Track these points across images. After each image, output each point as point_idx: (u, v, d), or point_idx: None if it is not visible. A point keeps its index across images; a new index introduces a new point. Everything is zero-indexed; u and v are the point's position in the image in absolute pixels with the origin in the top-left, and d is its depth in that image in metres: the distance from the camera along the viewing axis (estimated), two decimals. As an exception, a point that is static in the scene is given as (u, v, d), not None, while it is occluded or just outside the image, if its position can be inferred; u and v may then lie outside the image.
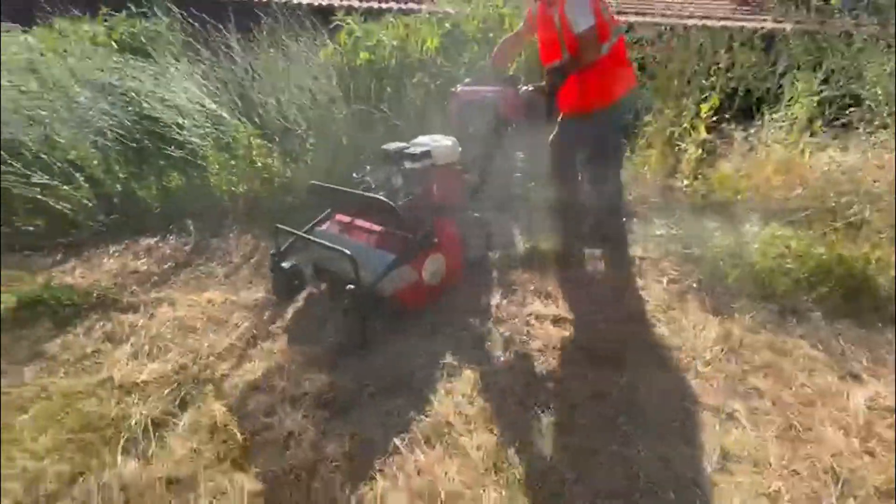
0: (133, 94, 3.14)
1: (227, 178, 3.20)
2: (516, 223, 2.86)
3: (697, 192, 3.14)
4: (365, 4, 4.55)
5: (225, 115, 3.20)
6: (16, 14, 4.32)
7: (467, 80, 2.64)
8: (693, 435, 1.48)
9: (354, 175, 2.32)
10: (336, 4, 4.25)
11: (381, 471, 1.42)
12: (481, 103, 2.33)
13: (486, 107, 2.31)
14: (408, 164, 2.15)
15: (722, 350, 1.83)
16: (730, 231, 2.46)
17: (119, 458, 1.49)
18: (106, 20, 3.99)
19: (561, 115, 2.33)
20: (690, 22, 4.89)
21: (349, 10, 3.76)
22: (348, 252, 1.83)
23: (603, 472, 1.38)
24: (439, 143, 2.22)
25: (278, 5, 3.82)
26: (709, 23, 5.15)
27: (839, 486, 1.31)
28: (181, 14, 4.00)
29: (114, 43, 3.78)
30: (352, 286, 1.83)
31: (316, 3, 4.49)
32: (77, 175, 3.02)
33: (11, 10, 4.41)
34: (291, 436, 1.54)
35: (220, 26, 3.68)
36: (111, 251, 2.83)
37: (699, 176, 3.24)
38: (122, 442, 1.54)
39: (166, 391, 1.75)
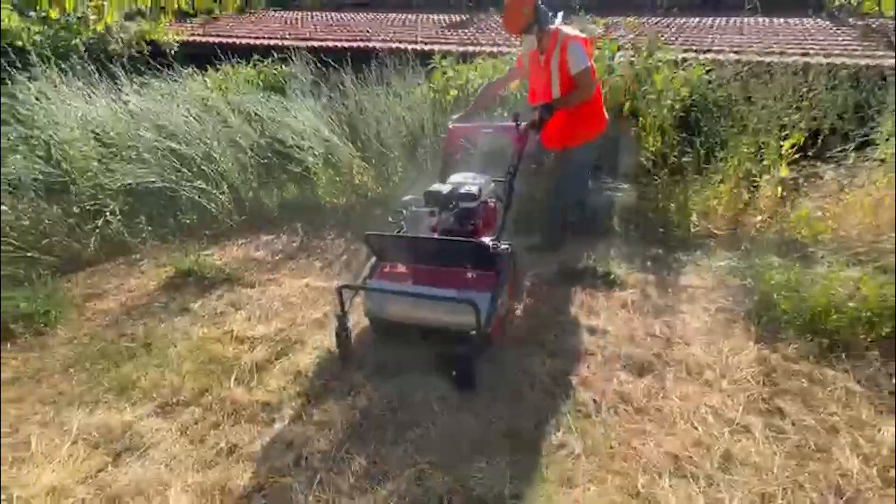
0: (269, 121, 3.96)
1: (330, 191, 3.86)
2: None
3: (771, 229, 3.07)
4: (461, 49, 5.13)
5: (335, 140, 3.89)
6: (197, 61, 5.60)
7: (454, 117, 2.79)
8: (698, 436, 1.59)
9: (390, 219, 2.37)
10: (436, 49, 4.88)
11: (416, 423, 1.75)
12: (479, 137, 2.76)
13: (485, 140, 2.72)
14: (463, 204, 2.20)
15: (753, 373, 1.88)
16: (795, 268, 2.43)
17: (232, 384, 2.01)
18: (255, 66, 5.05)
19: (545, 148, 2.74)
20: (801, 59, 4.71)
21: (445, 55, 4.34)
22: (468, 298, 1.82)
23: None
24: (478, 181, 2.33)
25: (387, 51, 4.54)
26: (823, 59, 4.89)
27: (841, 501, 1.35)
28: (313, 60, 4.93)
29: (260, 82, 4.77)
30: (473, 331, 1.78)
31: (419, 49, 5.18)
32: (223, 183, 3.88)
33: (194, 58, 5.73)
34: (352, 388, 1.94)
35: (340, 69, 4.48)
36: (240, 242, 3.57)
37: (776, 213, 3.17)
38: (234, 374, 2.07)
39: (268, 345, 2.27)
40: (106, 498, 1.51)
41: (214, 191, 3.81)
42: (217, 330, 2.45)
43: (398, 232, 2.22)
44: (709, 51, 4.68)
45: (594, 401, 1.78)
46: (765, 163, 3.28)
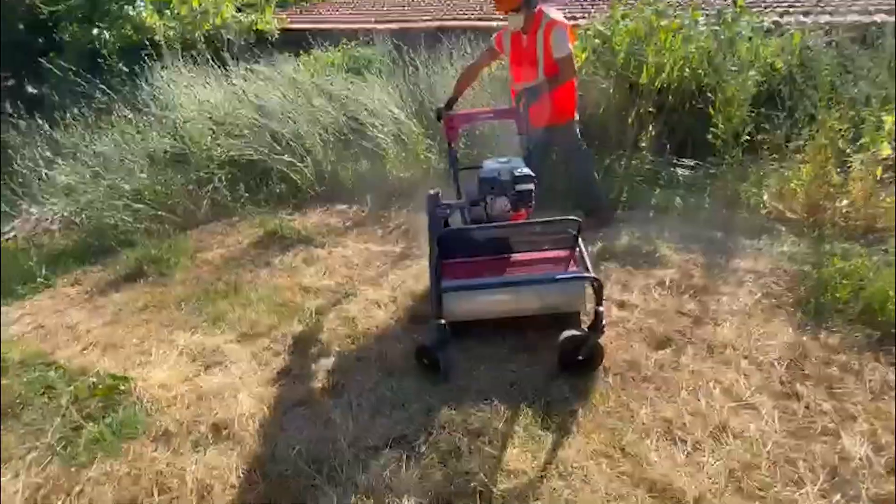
0: (346, 101, 4.36)
1: (398, 166, 4.18)
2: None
3: (858, 215, 2.77)
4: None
5: (403, 117, 4.17)
6: (294, 46, 6.21)
7: (440, 105, 2.72)
8: (698, 407, 1.63)
9: (439, 210, 2.24)
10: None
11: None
12: (478, 123, 2.89)
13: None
14: (523, 186, 2.12)
15: (780, 357, 1.82)
16: (863, 255, 2.22)
17: (295, 323, 2.42)
18: (341, 49, 5.50)
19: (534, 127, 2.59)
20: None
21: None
22: (591, 275, 1.80)
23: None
24: (516, 163, 2.25)
25: (458, 30, 4.68)
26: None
27: (831, 482, 1.34)
28: (392, 42, 5.25)
29: (344, 64, 5.20)
30: (600, 308, 1.71)
31: (483, 25, 5.26)
32: (307, 157, 4.38)
33: (292, 44, 6.36)
34: (391, 336, 2.24)
35: (416, 48, 4.73)
36: (318, 210, 4.04)
37: (868, 198, 2.83)
38: (297, 316, 2.48)
39: (328, 295, 2.66)
40: (196, 395, 1.97)
41: (300, 164, 4.32)
42: (290, 280, 2.90)
43: (446, 226, 2.19)
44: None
45: (604, 366, 1.87)
46: (862, 141, 2.92)
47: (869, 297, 1.96)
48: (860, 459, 1.39)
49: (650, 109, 3.48)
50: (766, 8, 5.16)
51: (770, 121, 3.11)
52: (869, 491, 1.31)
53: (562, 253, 2.09)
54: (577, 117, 2.89)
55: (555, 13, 2.57)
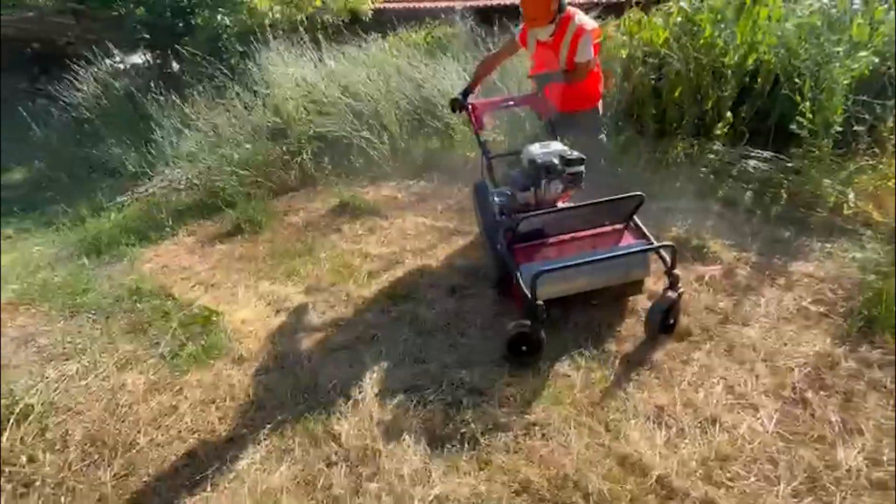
0: (423, 81, 4.61)
1: (465, 146, 4.36)
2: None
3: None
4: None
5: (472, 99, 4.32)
6: (385, 26, 6.57)
7: (458, 92, 2.78)
8: (695, 399, 1.68)
9: (497, 197, 2.40)
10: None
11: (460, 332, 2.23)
12: (503, 109, 2.85)
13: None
14: (575, 168, 2.24)
15: (802, 364, 1.77)
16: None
17: (351, 282, 2.80)
18: (425, 29, 5.72)
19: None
20: None
21: (591, 6, 4.23)
22: (667, 243, 2.02)
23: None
24: (559, 146, 2.34)
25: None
26: None
27: (807, 486, 1.35)
28: (474, 20, 5.35)
29: (426, 44, 5.43)
30: (676, 271, 1.96)
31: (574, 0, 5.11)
32: (384, 134, 4.74)
33: (384, 24, 6.72)
34: (426, 300, 2.52)
35: (494, 27, 4.80)
36: (390, 184, 4.40)
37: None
38: (353, 277, 2.86)
39: (382, 261, 3.01)
40: (266, 331, 2.44)
41: (376, 141, 4.70)
42: (353, 246, 3.29)
43: (498, 214, 2.34)
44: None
45: (615, 350, 1.97)
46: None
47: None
48: (846, 471, 1.37)
49: (726, 94, 3.23)
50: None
51: (872, 110, 2.74)
52: (845, 501, 1.31)
53: (618, 227, 2.22)
54: (601, 105, 2.92)
55: (582, 17, 2.54)
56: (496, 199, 2.39)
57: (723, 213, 2.98)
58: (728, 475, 1.42)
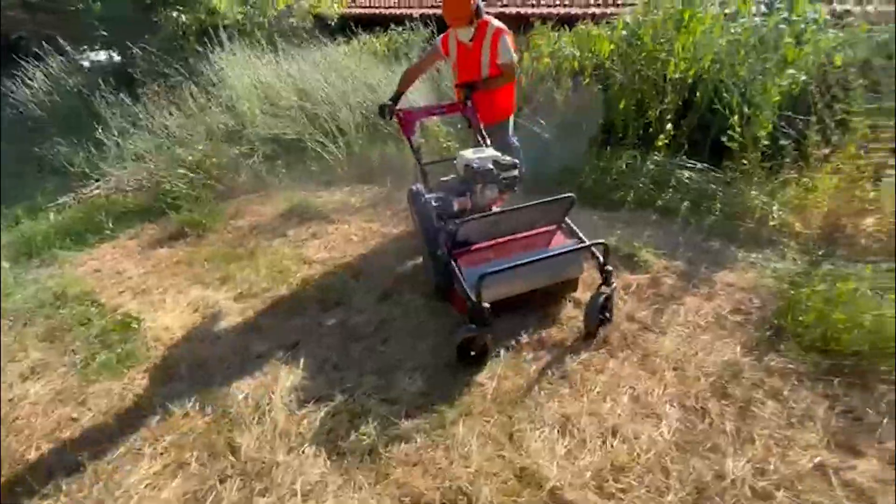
0: (376, 86, 4.59)
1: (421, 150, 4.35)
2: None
3: (877, 238, 2.50)
4: (580, 9, 4.94)
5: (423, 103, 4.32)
6: (351, 30, 6.53)
7: (388, 103, 2.76)
8: (588, 405, 1.68)
9: (434, 203, 2.35)
10: (550, 13, 4.83)
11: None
12: (431, 117, 2.93)
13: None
14: (511, 173, 2.33)
15: (710, 374, 1.79)
16: (848, 279, 2.05)
17: (283, 289, 2.73)
18: (385, 34, 5.72)
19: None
20: None
21: (546, 18, 4.30)
22: (600, 241, 2.06)
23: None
24: (493, 152, 2.42)
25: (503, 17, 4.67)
26: None
27: (694, 497, 1.35)
28: (432, 27, 5.37)
29: (385, 49, 5.42)
30: (609, 267, 2.05)
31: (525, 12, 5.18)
32: (339, 138, 4.68)
33: (349, 28, 6.69)
34: (355, 304, 2.47)
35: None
36: (343, 188, 4.35)
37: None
38: (287, 281, 2.79)
39: (319, 266, 2.95)
40: (186, 339, 2.35)
41: (331, 145, 4.65)
42: (295, 250, 3.22)
43: (436, 219, 2.31)
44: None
45: (532, 358, 1.95)
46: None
47: (831, 324, 1.82)
48: (731, 481, 1.38)
49: (666, 106, 3.31)
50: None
51: (794, 126, 2.84)
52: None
53: (552, 228, 2.27)
54: (512, 117, 2.99)
55: (498, 22, 2.67)
56: (434, 204, 2.39)
57: (659, 222, 3.03)
58: (620, 486, 1.41)
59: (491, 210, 2.39)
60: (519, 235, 2.25)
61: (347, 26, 6.07)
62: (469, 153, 2.46)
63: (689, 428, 1.58)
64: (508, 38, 2.64)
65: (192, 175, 4.46)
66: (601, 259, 2.07)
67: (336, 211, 3.84)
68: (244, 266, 3.07)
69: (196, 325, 2.48)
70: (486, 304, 1.86)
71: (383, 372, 1.97)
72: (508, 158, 2.39)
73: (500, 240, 2.22)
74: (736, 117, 2.94)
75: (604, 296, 2.05)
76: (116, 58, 7.04)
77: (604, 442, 1.56)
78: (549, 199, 2.14)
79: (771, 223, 2.74)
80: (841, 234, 2.61)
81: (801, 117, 2.76)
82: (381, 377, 1.94)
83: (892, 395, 1.61)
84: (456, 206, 2.36)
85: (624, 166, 3.33)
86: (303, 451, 1.62)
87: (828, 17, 3.55)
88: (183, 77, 5.44)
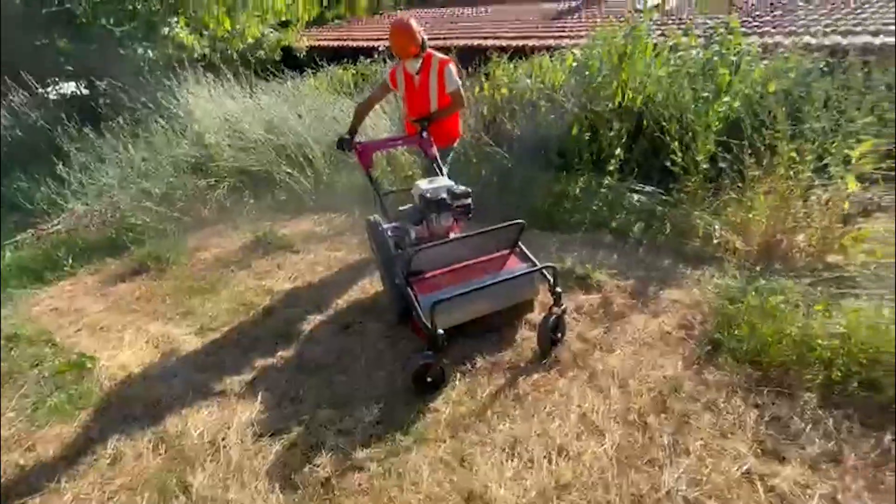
0: (342, 118, 4.70)
1: (384, 181, 4.45)
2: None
3: (811, 251, 2.68)
4: (536, 41, 5.21)
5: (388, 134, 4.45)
6: (320, 63, 6.67)
7: (346, 136, 2.84)
8: (537, 424, 1.74)
9: (391, 232, 2.43)
10: (515, 44, 5.07)
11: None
12: (388, 149, 3.02)
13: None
14: (464, 202, 2.41)
15: (653, 389, 1.87)
16: (776, 293, 2.19)
17: (246, 321, 2.73)
18: (351, 67, 5.88)
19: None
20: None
21: (504, 50, 4.52)
22: (550, 264, 2.18)
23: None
24: (446, 181, 2.50)
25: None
26: None
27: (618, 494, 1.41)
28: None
29: (351, 82, 5.57)
30: (558, 289, 2.14)
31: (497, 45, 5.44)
32: (308, 169, 4.75)
33: (318, 60, 6.84)
34: (316, 335, 2.49)
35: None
36: (310, 218, 4.40)
37: (829, 233, 2.72)
38: (249, 314, 2.79)
39: (283, 297, 2.96)
40: (143, 376, 2.32)
41: (299, 175, 4.71)
42: (258, 282, 3.23)
43: (394, 248, 2.38)
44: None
45: (486, 382, 2.01)
46: (830, 175, 2.81)
47: (759, 338, 1.95)
48: (666, 493, 1.45)
49: (613, 133, 3.50)
50: (773, 28, 4.96)
51: (730, 150, 3.04)
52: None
53: (505, 253, 2.36)
54: (456, 143, 3.18)
55: (441, 55, 2.86)
56: (390, 233, 2.46)
57: (613, 243, 3.17)
58: (563, 503, 1.46)
59: (447, 237, 2.47)
60: (472, 261, 2.32)
61: (314, 59, 6.20)
62: (424, 183, 2.52)
63: (630, 443, 1.66)
64: (453, 68, 2.83)
65: (157, 208, 4.44)
66: (551, 281, 2.17)
67: (302, 241, 3.88)
68: (206, 299, 3.06)
69: (154, 363, 2.46)
70: (441, 331, 1.91)
71: (339, 403, 1.99)
72: (462, 187, 2.47)
73: (454, 266, 2.29)
74: (677, 143, 3.14)
75: (554, 316, 2.14)
76: (83, 91, 7.01)
77: (550, 461, 1.61)
78: (501, 225, 2.22)
79: (714, 241, 2.90)
80: (776, 250, 2.78)
81: (737, 142, 2.97)
82: (338, 409, 1.96)
83: (815, 402, 1.72)
84: (413, 235, 2.44)
85: (578, 191, 3.48)
86: (256, 487, 1.62)
87: (759, 49, 3.85)
88: (149, 110, 5.46)
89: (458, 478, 1.58)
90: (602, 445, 1.65)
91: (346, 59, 6.40)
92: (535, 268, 2.21)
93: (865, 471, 1.48)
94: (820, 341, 1.87)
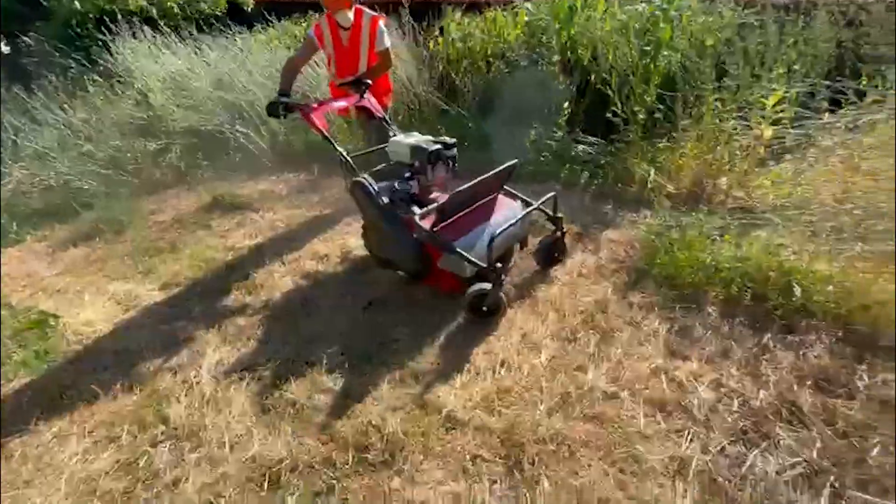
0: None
1: (343, 139, 4.46)
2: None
3: (727, 194, 2.99)
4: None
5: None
6: (268, 17, 6.39)
7: (282, 100, 2.60)
8: (495, 345, 1.97)
9: (395, 191, 2.34)
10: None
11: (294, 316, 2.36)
12: (334, 111, 2.79)
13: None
14: (453, 151, 2.40)
15: (584, 310, 2.14)
16: (694, 226, 2.48)
17: (209, 277, 2.80)
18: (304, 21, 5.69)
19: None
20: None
21: (457, 4, 4.52)
22: (552, 194, 2.36)
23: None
24: (418, 136, 2.47)
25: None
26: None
27: (558, 403, 1.67)
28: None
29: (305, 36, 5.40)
30: (559, 216, 2.38)
31: None
32: (262, 128, 4.67)
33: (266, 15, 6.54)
34: (278, 287, 2.61)
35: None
36: (270, 178, 4.38)
37: (747, 176, 3.03)
38: (212, 270, 2.86)
39: (244, 253, 3.04)
40: (111, 330, 2.39)
41: (254, 134, 4.64)
42: (219, 240, 3.28)
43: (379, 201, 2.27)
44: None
45: (437, 326, 2.21)
46: (749, 122, 3.09)
47: (676, 264, 2.23)
48: (588, 388, 1.72)
49: (563, 87, 3.66)
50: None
51: (664, 101, 3.27)
52: (584, 410, 1.65)
53: (497, 194, 2.43)
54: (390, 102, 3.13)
55: (370, 11, 2.77)
56: (397, 192, 2.33)
57: (562, 192, 3.37)
58: (504, 404, 1.70)
59: (442, 189, 2.46)
60: (481, 202, 2.34)
61: (263, 14, 5.95)
62: (406, 138, 2.44)
63: (562, 354, 1.91)
64: (385, 28, 2.77)
65: (105, 172, 4.30)
66: (553, 209, 2.39)
67: (262, 200, 3.90)
68: (167, 258, 3.09)
69: (120, 318, 2.52)
70: (499, 265, 2.04)
71: (305, 342, 2.15)
72: (446, 138, 2.44)
73: (469, 210, 2.27)
74: (618, 96, 3.34)
75: (553, 239, 2.43)
76: (3, 48, 6.47)
77: (494, 373, 1.85)
78: (503, 166, 2.29)
79: (649, 186, 3.17)
80: (702, 192, 3.08)
81: (671, 94, 3.19)
82: (304, 347, 2.12)
83: (716, 314, 2.03)
84: (416, 190, 2.37)
85: (529, 144, 3.65)
86: (230, 412, 1.78)
87: (700, 4, 4.03)
88: (83, 68, 5.15)
89: (415, 391, 1.79)
90: (539, 358, 1.90)
91: (296, 14, 6.16)
92: (547, 197, 2.35)
93: (747, 362, 1.80)
94: (726, 265, 2.16)
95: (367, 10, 2.77)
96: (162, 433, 1.73)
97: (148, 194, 4.23)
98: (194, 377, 1.98)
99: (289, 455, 1.58)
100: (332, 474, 1.51)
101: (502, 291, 2.06)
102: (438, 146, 2.35)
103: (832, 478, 1.37)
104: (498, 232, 2.09)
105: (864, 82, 2.57)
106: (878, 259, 1.94)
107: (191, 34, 5.34)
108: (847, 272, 1.96)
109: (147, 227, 3.65)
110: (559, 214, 2.42)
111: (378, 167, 2.59)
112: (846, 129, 2.59)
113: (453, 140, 2.44)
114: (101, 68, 5.18)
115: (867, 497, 1.32)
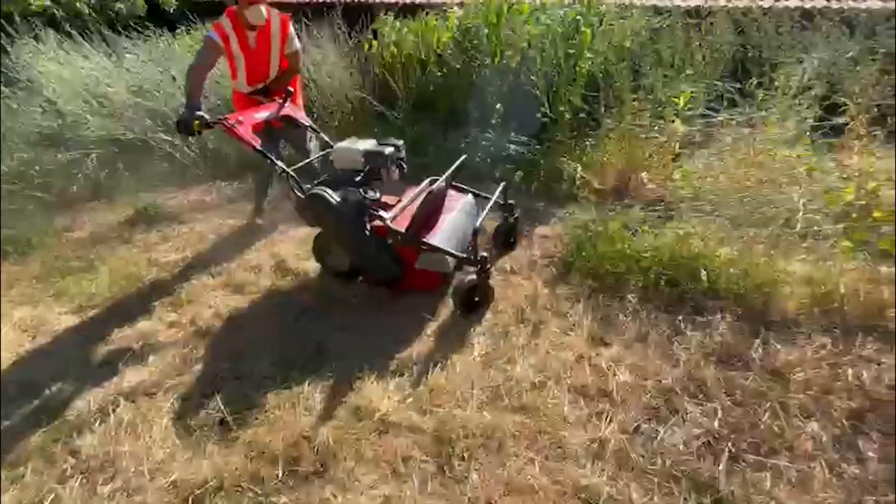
0: (219, 78, 4.42)
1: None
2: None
3: (650, 186, 3.19)
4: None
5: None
6: (193, 19, 6.07)
7: (197, 113, 2.38)
8: (428, 343, 2.00)
9: (359, 200, 2.21)
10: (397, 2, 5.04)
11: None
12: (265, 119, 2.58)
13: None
14: (402, 154, 2.43)
15: (515, 303, 2.21)
16: (615, 220, 2.63)
17: (130, 296, 2.63)
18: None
19: None
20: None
21: (388, 8, 4.52)
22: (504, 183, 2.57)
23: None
24: (366, 142, 2.39)
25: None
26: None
27: (490, 397, 1.72)
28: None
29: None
30: (512, 203, 2.64)
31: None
32: (190, 139, 4.44)
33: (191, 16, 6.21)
34: (205, 301, 2.50)
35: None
36: (199, 188, 4.17)
37: (663, 170, 3.25)
38: (134, 287, 2.69)
39: (169, 268, 2.88)
40: (16, 360, 2.20)
41: (181, 143, 4.40)
42: (141, 256, 3.08)
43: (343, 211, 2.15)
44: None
45: (379, 322, 2.21)
46: (662, 120, 3.31)
47: (598, 256, 2.36)
48: (517, 380, 1.78)
49: (493, 90, 3.76)
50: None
51: (587, 102, 3.44)
52: (512, 402, 1.71)
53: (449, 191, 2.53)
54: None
55: (274, 9, 2.59)
56: (365, 201, 2.21)
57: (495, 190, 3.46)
58: (436, 403, 1.73)
59: (399, 191, 2.45)
60: (442, 202, 2.39)
61: (187, 15, 5.65)
62: (357, 144, 2.34)
63: (493, 349, 1.97)
64: (293, 29, 2.67)
65: (9, 187, 3.93)
66: (505, 196, 2.57)
67: (190, 211, 3.72)
68: (82, 278, 2.87)
69: (26, 346, 2.32)
70: (485, 254, 2.13)
71: (234, 357, 2.07)
72: (393, 139, 2.43)
73: (433, 208, 2.29)
74: (545, 96, 3.47)
75: (508, 227, 2.63)
76: None
77: (427, 373, 1.87)
78: (456, 164, 2.42)
79: (577, 182, 3.32)
80: (625, 187, 3.26)
81: (595, 94, 3.37)
82: (232, 361, 2.04)
83: (635, 300, 2.16)
84: (378, 195, 2.28)
85: (463, 145, 3.72)
86: (150, 437, 1.69)
87: (616, 10, 4.26)
88: (-18, 74, 4.67)
89: (348, 398, 1.78)
90: (471, 355, 1.94)
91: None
92: (500, 190, 2.52)
93: (661, 344, 1.93)
94: (644, 255, 2.31)
95: (273, 9, 2.57)
96: (72, 467, 1.61)
97: (61, 210, 3.91)
98: (111, 404, 1.86)
99: (214, 476, 1.52)
100: (259, 491, 1.47)
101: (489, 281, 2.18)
102: (391, 148, 2.32)
103: (730, 444, 1.50)
104: (479, 223, 2.14)
105: (751, 84, 2.83)
106: (768, 242, 2.15)
107: (103, 37, 4.98)
108: (743, 255, 2.15)
109: (59, 245, 3.38)
110: (511, 201, 2.65)
111: (321, 179, 2.41)
112: (740, 126, 2.86)
113: (401, 141, 2.42)
114: (1, 76, 4.72)
115: (759, 458, 1.46)
